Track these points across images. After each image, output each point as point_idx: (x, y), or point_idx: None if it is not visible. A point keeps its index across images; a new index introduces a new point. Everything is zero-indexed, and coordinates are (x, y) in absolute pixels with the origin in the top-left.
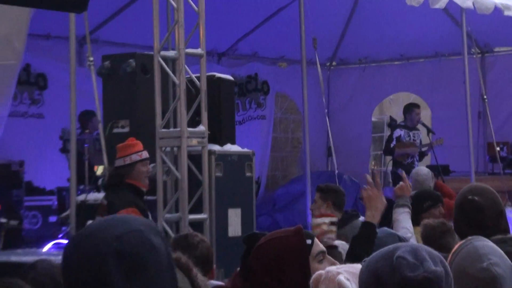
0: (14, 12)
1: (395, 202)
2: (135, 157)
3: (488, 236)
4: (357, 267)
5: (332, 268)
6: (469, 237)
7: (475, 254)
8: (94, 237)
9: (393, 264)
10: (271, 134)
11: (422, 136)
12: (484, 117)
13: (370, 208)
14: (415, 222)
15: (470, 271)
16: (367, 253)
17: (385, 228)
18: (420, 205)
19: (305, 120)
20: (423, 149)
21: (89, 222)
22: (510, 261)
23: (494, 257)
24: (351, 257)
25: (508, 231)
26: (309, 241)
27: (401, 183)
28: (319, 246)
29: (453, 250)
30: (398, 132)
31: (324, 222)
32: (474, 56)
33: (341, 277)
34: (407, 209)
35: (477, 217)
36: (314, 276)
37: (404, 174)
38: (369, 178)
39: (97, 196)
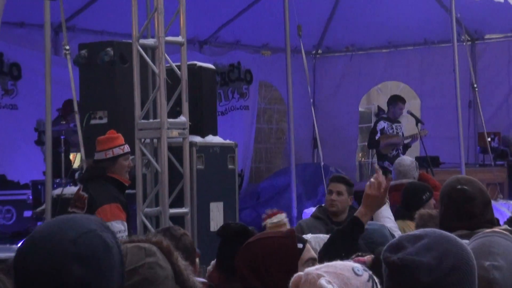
0: None
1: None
2: (117, 151)
3: (473, 228)
4: (336, 265)
5: (311, 270)
6: (495, 229)
7: (484, 249)
8: (50, 241)
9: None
10: (254, 125)
11: (404, 128)
12: (475, 107)
13: (365, 205)
14: (411, 216)
15: None
16: (346, 250)
17: (374, 222)
18: (419, 197)
19: (290, 110)
20: (406, 141)
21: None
22: None
23: (502, 260)
24: (328, 250)
25: (494, 222)
26: (300, 246)
27: (372, 180)
28: (310, 252)
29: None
30: (382, 124)
31: (283, 220)
32: (464, 43)
33: (323, 281)
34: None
35: (466, 205)
36: (293, 278)
37: (378, 169)
38: (379, 173)
39: (73, 190)
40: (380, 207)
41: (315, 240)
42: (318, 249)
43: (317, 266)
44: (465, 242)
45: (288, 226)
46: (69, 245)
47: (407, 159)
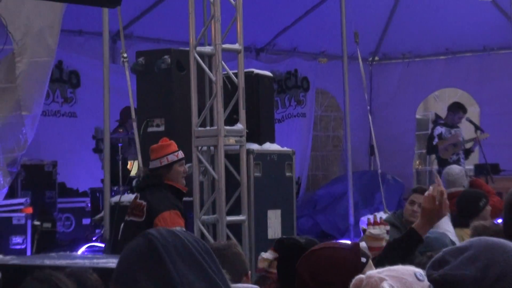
0: (46, 7)
1: None
2: (172, 158)
3: None
4: (398, 269)
5: (373, 273)
6: None
7: None
8: None
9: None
10: (311, 133)
11: (464, 133)
12: None
13: (424, 217)
14: (468, 223)
15: None
16: (401, 261)
17: (435, 230)
18: (476, 204)
19: (347, 117)
20: (467, 145)
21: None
22: None
23: None
24: (383, 261)
25: None
26: (363, 260)
27: (430, 187)
28: (372, 267)
29: None
30: (439, 130)
31: (383, 234)
32: None
33: (385, 285)
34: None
35: None
36: (354, 280)
37: (438, 177)
38: (439, 183)
39: (131, 197)
40: (439, 219)
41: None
42: None
43: (379, 269)
44: None
45: (384, 243)
46: None
47: (456, 168)
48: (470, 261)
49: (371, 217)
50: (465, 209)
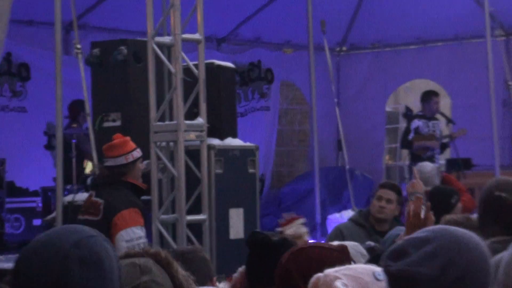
0: None
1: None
2: (136, 154)
3: None
4: (357, 268)
5: (330, 271)
6: None
7: None
8: (52, 245)
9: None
10: (276, 127)
11: (442, 126)
12: (509, 105)
13: (409, 231)
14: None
15: (510, 270)
16: None
17: (402, 228)
18: (448, 201)
19: (313, 111)
20: (444, 140)
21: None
22: None
23: None
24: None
25: None
26: (353, 263)
27: (412, 180)
28: None
29: None
30: (416, 123)
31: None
32: (498, 38)
33: (338, 284)
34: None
35: (504, 214)
36: (312, 279)
37: (415, 170)
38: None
39: (86, 196)
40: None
41: (355, 249)
42: (355, 259)
43: (338, 268)
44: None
45: (306, 238)
46: (72, 248)
47: (428, 166)
48: (431, 257)
49: (283, 218)
50: (436, 206)
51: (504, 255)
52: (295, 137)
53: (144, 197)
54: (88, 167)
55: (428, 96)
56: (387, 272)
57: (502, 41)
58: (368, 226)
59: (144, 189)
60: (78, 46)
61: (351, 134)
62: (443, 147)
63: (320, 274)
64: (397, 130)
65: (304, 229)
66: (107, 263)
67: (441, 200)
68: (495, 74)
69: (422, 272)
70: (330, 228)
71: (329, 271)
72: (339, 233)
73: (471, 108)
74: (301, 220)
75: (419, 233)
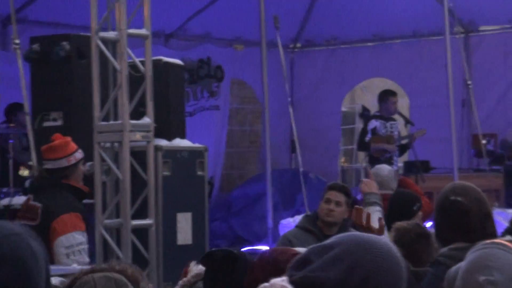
0: None
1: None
2: (78, 156)
3: (473, 241)
4: None
5: (278, 280)
6: (496, 240)
7: (481, 263)
8: None
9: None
10: (226, 127)
11: (400, 127)
12: (469, 106)
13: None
14: None
15: (468, 277)
16: None
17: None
18: (409, 208)
19: (265, 110)
20: (403, 141)
21: None
22: None
23: (498, 275)
24: None
25: (495, 235)
26: None
27: (365, 179)
28: None
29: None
30: (373, 124)
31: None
32: (457, 36)
33: None
34: (378, 208)
35: (461, 220)
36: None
37: (369, 169)
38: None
39: (23, 200)
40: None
41: None
42: None
43: (284, 277)
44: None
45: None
46: None
47: (385, 169)
48: (334, 262)
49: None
50: (397, 212)
51: (462, 263)
52: (246, 138)
53: (86, 201)
54: (24, 171)
55: (386, 96)
56: (291, 282)
57: (461, 38)
58: (316, 231)
59: (86, 193)
60: (17, 41)
61: (305, 135)
62: (402, 149)
63: (266, 284)
64: (353, 131)
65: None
66: (30, 262)
67: (402, 207)
68: (454, 73)
69: (327, 276)
70: (283, 233)
71: (276, 280)
72: (287, 242)
73: (430, 108)
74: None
75: (323, 243)
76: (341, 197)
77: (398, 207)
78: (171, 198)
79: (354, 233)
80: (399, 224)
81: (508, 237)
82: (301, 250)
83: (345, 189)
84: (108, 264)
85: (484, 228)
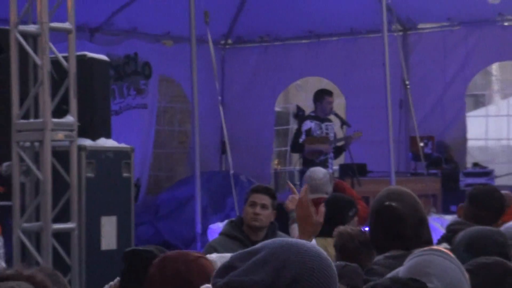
0: None
1: (289, 215)
2: None
3: (408, 248)
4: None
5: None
6: (434, 247)
7: (419, 269)
8: None
9: None
10: (153, 127)
11: (336, 128)
12: (406, 107)
13: (302, 231)
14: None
15: None
16: None
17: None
18: (345, 214)
19: (195, 109)
20: (339, 143)
21: None
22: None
23: (437, 282)
24: None
25: (431, 242)
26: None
27: (290, 195)
28: None
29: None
30: (308, 125)
31: None
32: (395, 33)
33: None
34: None
35: (395, 226)
36: None
37: (291, 185)
38: (293, 190)
39: None
40: (316, 228)
41: (221, 260)
42: None
43: (209, 285)
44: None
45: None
46: None
47: (320, 172)
48: (260, 265)
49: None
50: (331, 217)
51: (400, 270)
52: (175, 138)
53: (3, 203)
54: None
55: (321, 96)
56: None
57: (400, 36)
58: (242, 237)
59: (1, 194)
60: None
61: (236, 135)
62: (338, 151)
63: (208, 285)
64: (287, 132)
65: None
66: None
67: (337, 212)
68: (392, 72)
69: (252, 280)
70: (212, 238)
71: None
72: (212, 250)
73: (367, 109)
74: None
75: (246, 249)
76: (266, 200)
77: (332, 212)
78: (95, 201)
79: (280, 238)
80: (342, 229)
81: (444, 245)
82: (215, 257)
83: (270, 191)
84: (15, 269)
85: (419, 235)
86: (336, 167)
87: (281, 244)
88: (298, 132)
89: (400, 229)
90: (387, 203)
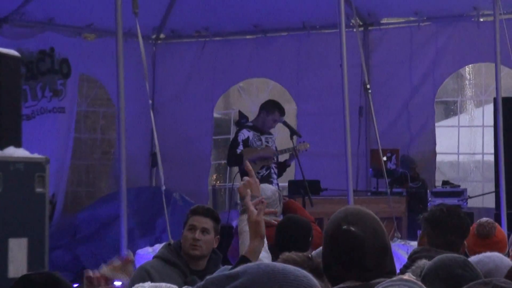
0: None
1: (239, 201)
2: None
3: (367, 279)
4: None
5: None
6: (404, 276)
7: None
8: None
9: None
10: (72, 134)
11: (281, 141)
12: (367, 114)
13: (254, 236)
14: None
15: None
16: None
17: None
18: (306, 239)
19: (121, 114)
20: (283, 158)
21: None
22: None
23: None
24: None
25: (394, 273)
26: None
27: (246, 178)
28: None
29: None
30: (245, 134)
31: None
32: (355, 29)
33: None
34: None
35: (353, 254)
36: None
37: (248, 165)
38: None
39: None
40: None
41: None
42: None
43: None
44: None
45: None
46: None
47: (268, 189)
48: None
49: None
50: (288, 244)
51: None
52: (97, 148)
53: None
54: None
55: (272, 110)
56: None
57: (360, 32)
58: (181, 264)
59: None
60: None
61: (169, 145)
62: (282, 167)
63: None
64: (228, 143)
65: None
66: None
67: (296, 237)
68: (351, 74)
69: None
70: (140, 265)
71: None
72: (146, 275)
73: (321, 116)
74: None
75: (226, 272)
76: (208, 223)
77: (290, 237)
78: (2, 220)
79: (261, 263)
80: (287, 255)
81: (408, 275)
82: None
83: (212, 212)
84: None
85: (381, 265)
86: (284, 184)
87: (265, 270)
88: (234, 143)
89: (358, 257)
90: (344, 226)
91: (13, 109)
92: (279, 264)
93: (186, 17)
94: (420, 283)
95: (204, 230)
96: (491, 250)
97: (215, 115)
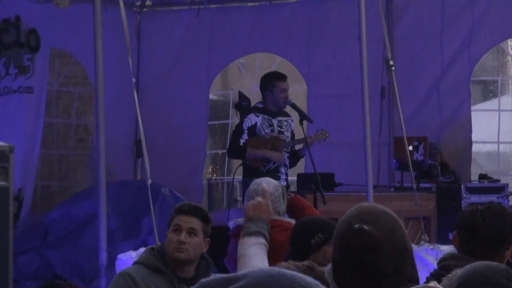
0: None
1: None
2: None
3: (386, 286)
4: None
5: None
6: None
7: None
8: None
9: None
10: (42, 119)
11: (295, 124)
12: (390, 96)
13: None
14: None
15: None
16: None
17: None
18: (306, 241)
19: (99, 96)
20: (297, 147)
21: None
22: None
23: None
24: None
25: (417, 281)
26: None
27: (257, 198)
28: None
29: None
30: (252, 120)
31: None
32: None
33: None
34: (261, 240)
35: (367, 257)
36: None
37: (262, 189)
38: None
39: None
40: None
41: None
42: None
43: None
44: None
45: None
46: None
47: (270, 184)
48: None
49: None
50: (296, 246)
51: None
52: (72, 136)
53: None
54: None
55: (270, 82)
56: None
57: (383, 0)
58: (167, 271)
59: None
60: None
61: (156, 132)
62: (295, 157)
63: None
64: (226, 129)
65: None
66: None
67: (300, 239)
68: (371, 49)
69: None
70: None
71: None
72: (129, 281)
73: (335, 99)
74: None
75: (227, 275)
76: (195, 223)
77: (295, 239)
78: None
79: (269, 267)
80: (287, 264)
81: (433, 284)
82: None
83: (200, 211)
84: None
85: (399, 270)
86: (292, 178)
87: (269, 273)
88: (239, 130)
89: (373, 261)
90: (357, 225)
91: None
92: (283, 270)
93: None
94: None
95: (191, 232)
96: None
97: (211, 96)
